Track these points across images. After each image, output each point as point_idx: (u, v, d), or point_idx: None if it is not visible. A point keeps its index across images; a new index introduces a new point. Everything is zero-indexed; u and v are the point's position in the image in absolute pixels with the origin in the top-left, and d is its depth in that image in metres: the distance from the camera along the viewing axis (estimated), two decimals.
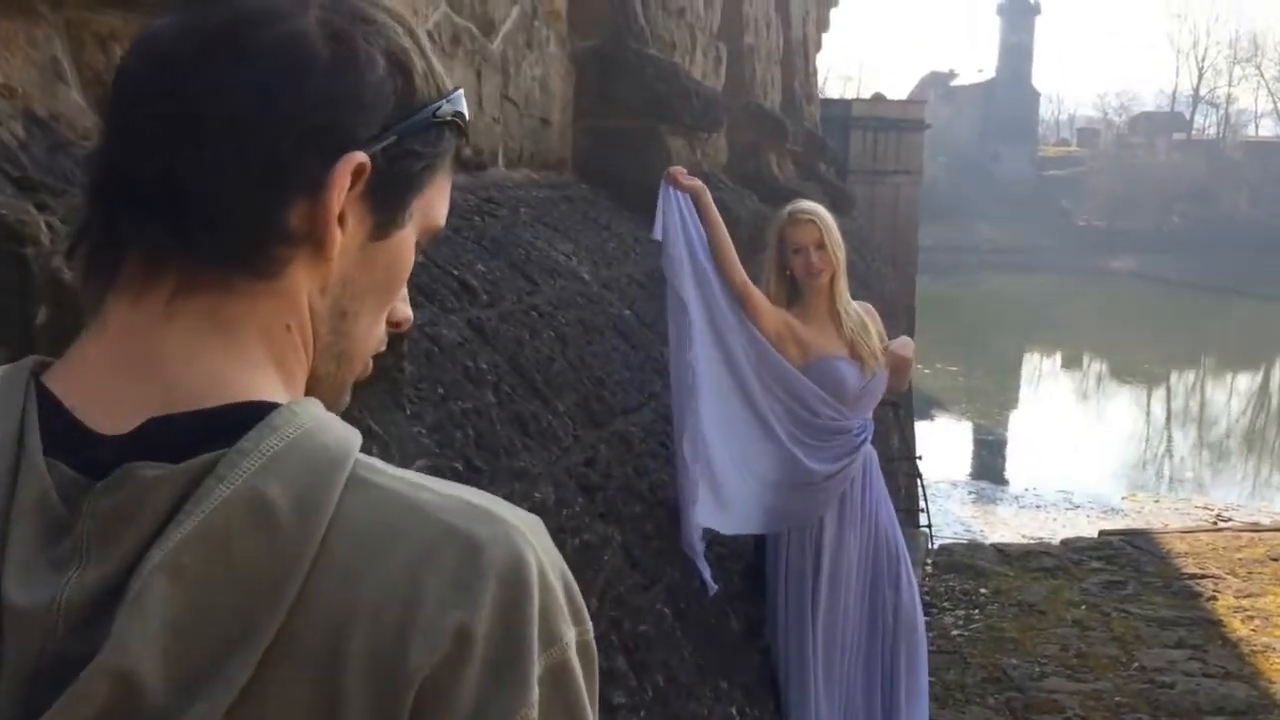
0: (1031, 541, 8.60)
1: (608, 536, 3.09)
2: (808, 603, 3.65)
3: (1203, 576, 6.69)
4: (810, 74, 15.86)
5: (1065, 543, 7.79)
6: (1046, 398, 29.77)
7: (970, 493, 19.82)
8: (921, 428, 23.30)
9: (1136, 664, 5.40)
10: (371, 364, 0.82)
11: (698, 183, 3.74)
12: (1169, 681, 5.17)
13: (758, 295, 3.66)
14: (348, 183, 0.70)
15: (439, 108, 0.75)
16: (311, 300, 0.74)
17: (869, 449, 3.80)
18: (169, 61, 0.69)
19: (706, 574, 3.51)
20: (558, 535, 2.87)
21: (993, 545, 7.87)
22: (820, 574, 3.66)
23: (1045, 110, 78.01)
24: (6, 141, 2.00)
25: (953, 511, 18.15)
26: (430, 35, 4.60)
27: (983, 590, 6.50)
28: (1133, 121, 70.35)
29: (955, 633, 5.85)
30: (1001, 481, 20.75)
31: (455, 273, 3.49)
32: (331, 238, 0.71)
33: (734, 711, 3.34)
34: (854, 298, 3.92)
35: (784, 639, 3.68)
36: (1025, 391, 31.12)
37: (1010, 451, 23.41)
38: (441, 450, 2.69)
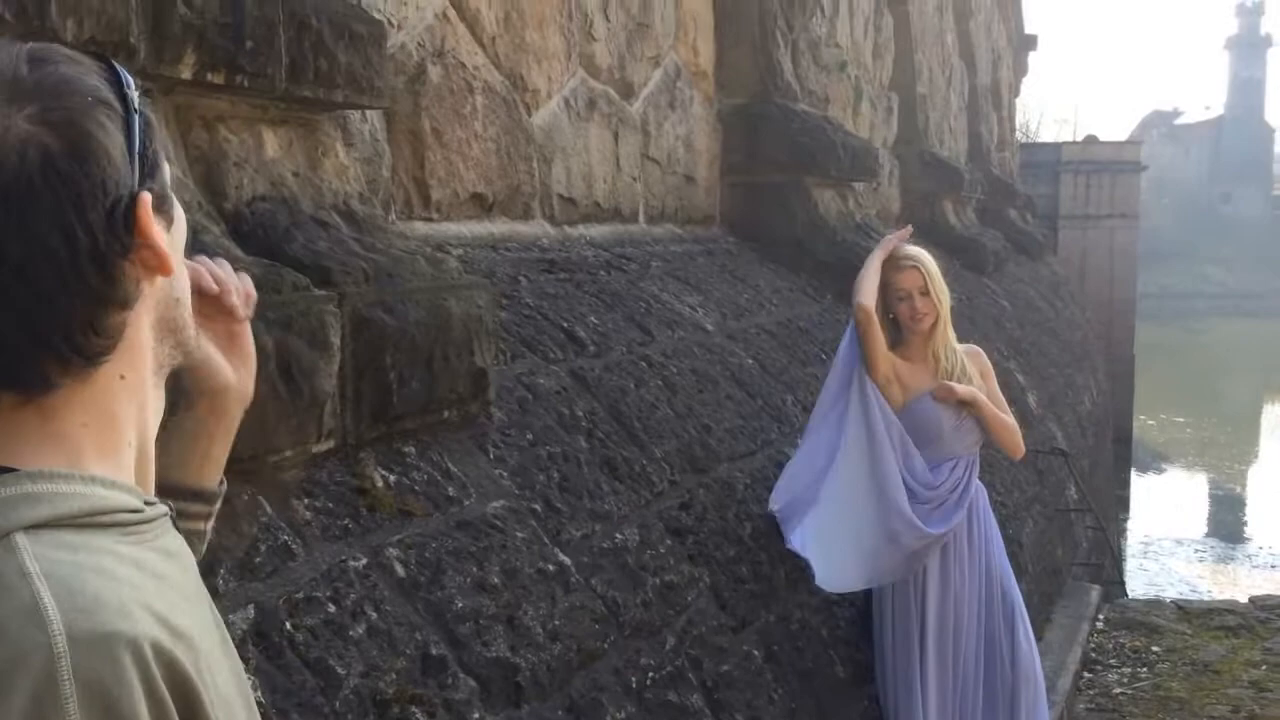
0: (1216, 599, 8.14)
1: (694, 578, 3.17)
2: (915, 647, 3.64)
3: None
4: (1004, 119, 15.58)
5: (1254, 600, 7.36)
6: None
7: (1197, 550, 18.86)
8: (1145, 481, 22.29)
9: None
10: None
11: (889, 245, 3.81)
12: None
13: (879, 332, 3.69)
14: (152, 217, 0.83)
15: (131, 99, 0.85)
16: (158, 312, 0.89)
17: (977, 484, 3.78)
18: None
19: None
20: (637, 574, 2.98)
21: (1172, 602, 7.50)
22: (927, 617, 3.65)
23: None
24: None
25: (1177, 570, 17.27)
26: (567, 102, 4.83)
27: (1154, 648, 6.22)
28: None
29: (1118, 691, 5.63)
30: (1235, 539, 19.69)
31: (565, 325, 3.67)
32: (166, 260, 0.85)
33: None
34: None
35: (891, 685, 3.67)
36: (1265, 443, 29.34)
37: (1245, 507, 22.14)
38: (521, 491, 2.84)
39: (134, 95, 0.85)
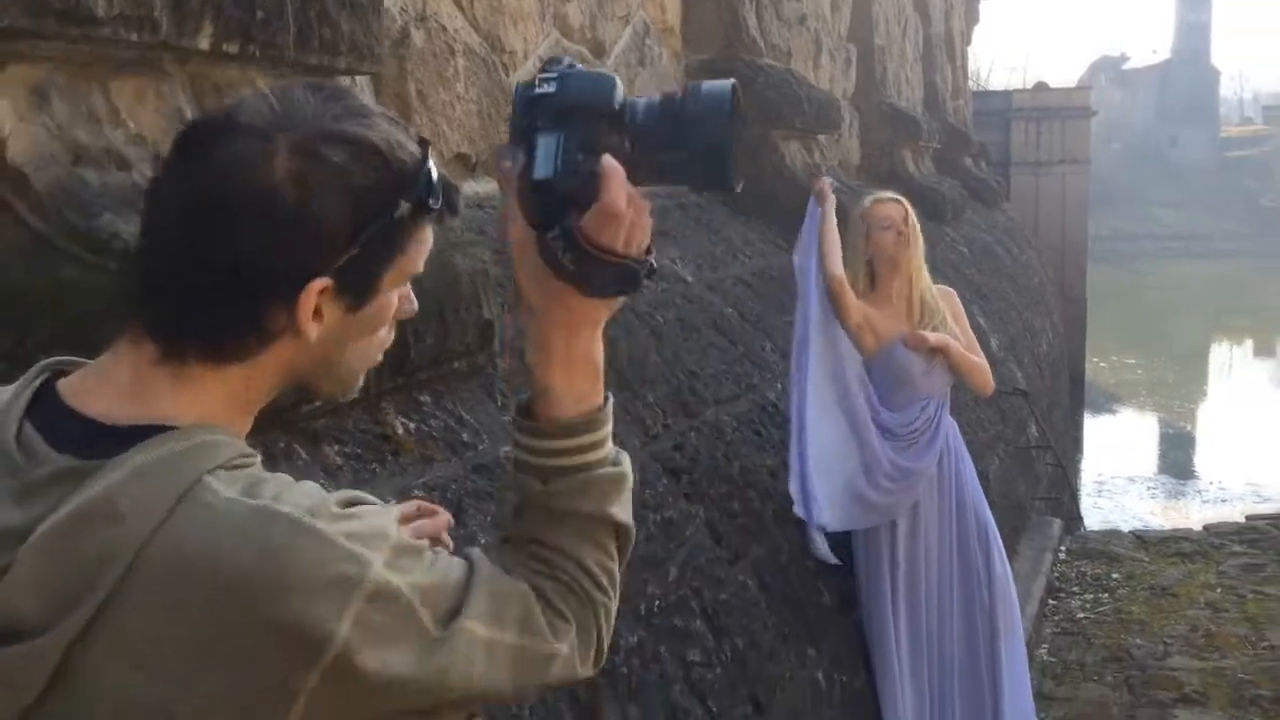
0: (1171, 528, 8.47)
1: (690, 514, 3.35)
2: (886, 577, 3.85)
3: None
4: (957, 68, 15.75)
5: (1208, 527, 7.68)
6: (1236, 388, 28.52)
7: (1149, 488, 19.24)
8: (1098, 421, 22.72)
9: (1266, 643, 5.37)
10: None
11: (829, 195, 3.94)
12: None
13: (849, 292, 3.87)
14: (313, 302, 0.97)
15: (397, 212, 0.98)
16: (296, 358, 1.01)
17: (948, 420, 3.98)
18: (170, 205, 0.95)
19: (823, 551, 3.83)
20: (639, 512, 3.15)
21: (1131, 532, 7.80)
22: (897, 548, 3.86)
23: (1227, 89, 74.56)
24: (139, 182, 2.40)
25: (1130, 507, 17.66)
26: (542, 62, 4.95)
27: (1115, 575, 6.51)
28: None
29: (1081, 615, 5.90)
30: (1185, 475, 20.06)
31: None
32: (307, 333, 0.98)
33: (820, 676, 3.57)
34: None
35: (868, 612, 3.90)
36: (1213, 382, 29.89)
37: (1194, 444, 22.54)
38: None
39: (405, 209, 0.98)
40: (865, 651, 3.92)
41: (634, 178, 1.04)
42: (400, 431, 2.67)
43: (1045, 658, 5.34)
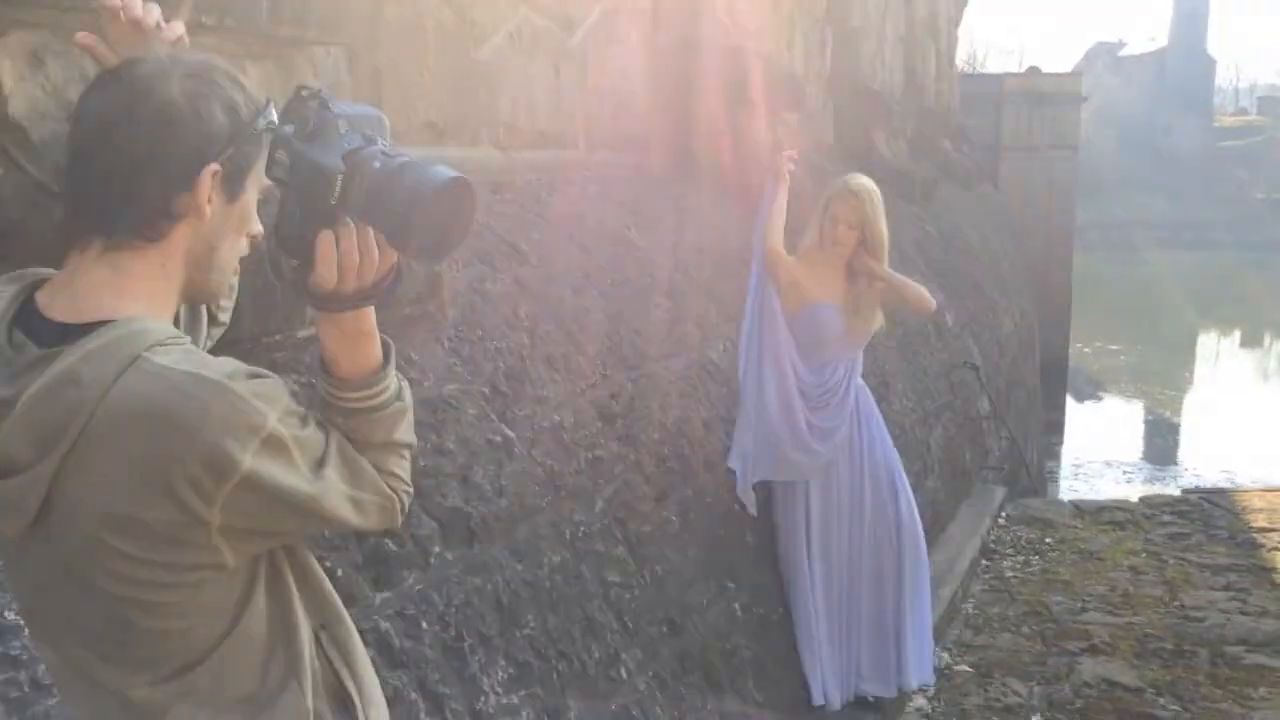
0: (1108, 499, 8.82)
1: (621, 455, 3.69)
2: (800, 531, 4.19)
3: (1270, 530, 6.89)
4: (942, 51, 15.97)
5: (1143, 499, 8.03)
6: (1220, 378, 28.78)
7: (1125, 471, 19.54)
8: (1081, 407, 23.04)
9: (1177, 603, 5.72)
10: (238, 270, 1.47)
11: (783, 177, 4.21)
12: (1201, 617, 5.49)
13: (784, 260, 4.17)
14: (208, 185, 1.31)
15: (257, 124, 1.35)
16: (192, 244, 1.35)
17: (858, 382, 4.31)
18: (99, 124, 1.28)
19: (749, 499, 4.18)
20: (571, 448, 3.50)
21: (1070, 501, 8.15)
22: (811, 505, 4.20)
23: (1222, 79, 74.79)
24: None
25: (1105, 490, 17.99)
26: (511, 36, 5.25)
27: (1047, 540, 6.85)
28: None
29: (1010, 574, 6.25)
30: (1163, 462, 20.34)
31: (509, 239, 4.14)
32: (203, 213, 1.33)
33: (737, 607, 3.91)
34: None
35: (783, 558, 4.25)
36: (1198, 372, 30.17)
37: (1175, 432, 22.81)
38: (472, 378, 3.33)
39: (261, 122, 1.35)
40: (783, 589, 4.26)
41: (357, 216, 1.32)
42: None
43: (970, 611, 5.68)
